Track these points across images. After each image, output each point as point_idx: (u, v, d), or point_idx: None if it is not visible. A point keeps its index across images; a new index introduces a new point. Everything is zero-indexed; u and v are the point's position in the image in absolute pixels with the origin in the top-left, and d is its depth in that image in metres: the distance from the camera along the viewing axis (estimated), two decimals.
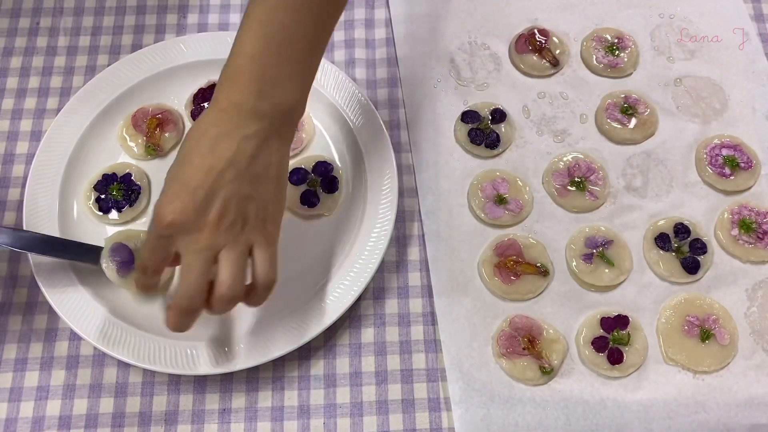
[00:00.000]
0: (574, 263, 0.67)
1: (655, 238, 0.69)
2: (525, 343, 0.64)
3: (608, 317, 0.65)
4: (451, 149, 0.73)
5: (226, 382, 0.64)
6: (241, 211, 0.52)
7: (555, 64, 0.77)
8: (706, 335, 0.65)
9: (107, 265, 0.64)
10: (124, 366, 0.64)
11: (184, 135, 0.57)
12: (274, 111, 0.53)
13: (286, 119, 0.55)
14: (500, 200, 0.70)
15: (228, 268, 0.52)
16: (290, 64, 0.54)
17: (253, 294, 0.55)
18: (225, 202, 0.51)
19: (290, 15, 0.53)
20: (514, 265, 0.67)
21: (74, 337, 0.65)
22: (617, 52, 0.78)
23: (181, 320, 0.54)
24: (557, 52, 0.78)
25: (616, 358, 0.64)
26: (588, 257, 0.67)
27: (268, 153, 0.53)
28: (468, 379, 0.63)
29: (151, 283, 0.57)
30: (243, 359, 0.62)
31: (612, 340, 0.64)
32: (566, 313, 0.66)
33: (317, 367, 0.65)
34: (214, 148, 0.52)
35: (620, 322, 0.65)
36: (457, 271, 0.67)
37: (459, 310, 0.66)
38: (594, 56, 0.78)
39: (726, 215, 0.70)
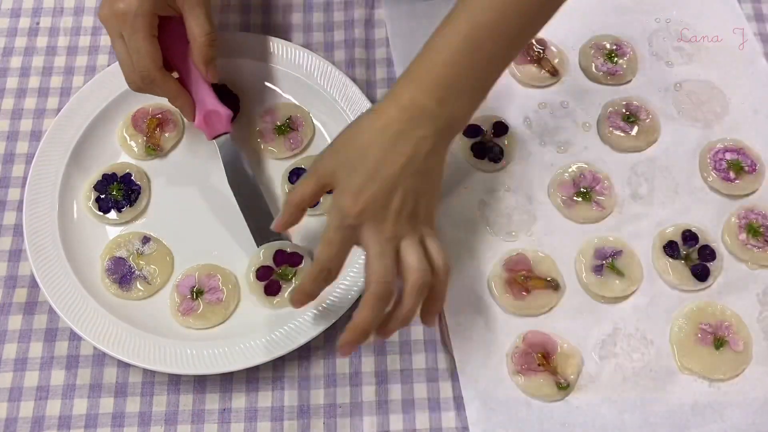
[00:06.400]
0: (585, 275, 0.67)
1: (664, 247, 0.68)
2: (540, 359, 0.63)
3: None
4: (455, 163, 0.72)
5: (226, 382, 0.64)
6: (415, 204, 0.56)
7: (554, 73, 0.77)
8: (719, 343, 0.64)
9: (107, 285, 0.65)
10: (124, 366, 0.64)
11: (356, 118, 0.59)
12: (449, 119, 0.57)
13: (454, 128, 0.58)
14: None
15: (415, 255, 0.54)
16: (475, 82, 0.58)
17: (437, 281, 0.56)
18: (405, 194, 0.55)
19: (490, 35, 0.57)
20: (525, 280, 0.66)
21: (74, 337, 0.65)
22: (616, 59, 0.77)
23: (376, 307, 0.54)
24: (556, 61, 0.77)
25: None
26: (598, 269, 0.67)
27: (436, 153, 0.57)
28: (484, 398, 0.62)
29: (323, 286, 0.58)
30: (243, 359, 0.61)
31: None
32: (580, 327, 0.66)
33: (317, 367, 0.64)
34: (395, 144, 0.55)
35: None
36: (467, 289, 0.67)
37: (472, 329, 0.65)
38: (593, 64, 0.77)
39: (733, 219, 0.70)
